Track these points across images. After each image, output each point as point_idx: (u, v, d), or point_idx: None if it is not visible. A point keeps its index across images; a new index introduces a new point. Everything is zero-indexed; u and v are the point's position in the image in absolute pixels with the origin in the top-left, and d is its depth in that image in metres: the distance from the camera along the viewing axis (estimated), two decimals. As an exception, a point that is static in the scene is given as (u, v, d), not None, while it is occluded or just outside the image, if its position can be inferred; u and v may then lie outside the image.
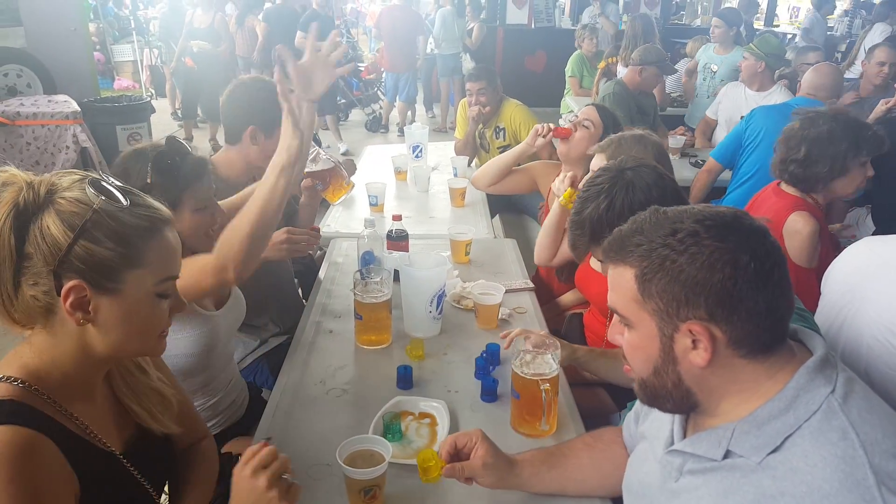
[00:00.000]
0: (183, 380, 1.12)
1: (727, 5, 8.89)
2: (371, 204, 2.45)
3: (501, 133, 3.17)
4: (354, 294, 1.49)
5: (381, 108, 7.35)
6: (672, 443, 0.85)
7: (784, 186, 1.87)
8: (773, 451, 0.72)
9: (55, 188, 0.79)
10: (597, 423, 1.24)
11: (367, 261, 1.77)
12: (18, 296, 0.79)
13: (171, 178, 1.23)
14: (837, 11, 9.90)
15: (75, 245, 0.77)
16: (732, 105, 3.36)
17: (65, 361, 0.82)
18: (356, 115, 7.45)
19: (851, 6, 9.36)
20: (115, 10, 9.68)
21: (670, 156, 3.18)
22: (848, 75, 4.57)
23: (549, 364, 1.21)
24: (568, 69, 5.23)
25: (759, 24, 8.75)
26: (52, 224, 0.76)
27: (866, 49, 4.17)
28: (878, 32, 5.30)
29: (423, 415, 1.26)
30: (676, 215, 0.78)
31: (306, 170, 1.97)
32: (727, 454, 0.76)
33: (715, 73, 4.09)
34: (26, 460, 0.73)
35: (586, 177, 1.74)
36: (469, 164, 3.01)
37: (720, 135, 3.35)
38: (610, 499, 1.07)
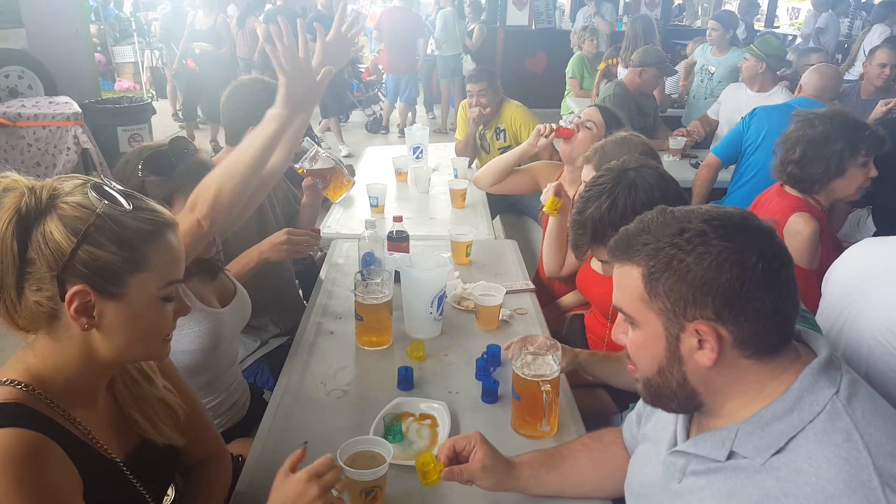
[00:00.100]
0: (186, 378, 1.11)
1: (727, 7, 8.91)
2: (372, 205, 2.45)
3: (502, 134, 3.17)
4: (355, 295, 1.49)
5: (381, 109, 7.36)
6: (675, 444, 0.85)
7: (786, 188, 1.88)
8: (777, 452, 0.72)
9: (57, 193, 0.79)
10: (597, 425, 1.24)
11: (368, 262, 1.77)
12: (22, 301, 0.78)
13: (166, 176, 1.23)
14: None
15: (79, 250, 0.76)
16: (734, 106, 3.36)
17: (68, 366, 0.82)
18: (357, 116, 7.46)
19: (852, 7, 9.36)
20: (115, 12, 9.70)
21: (671, 157, 3.23)
22: (848, 77, 4.58)
23: (549, 365, 1.21)
24: (568, 70, 5.24)
25: (759, 25, 8.77)
26: (54, 229, 0.76)
27: (866, 50, 4.17)
28: (876, 34, 5.30)
29: (424, 416, 1.26)
30: (684, 215, 0.78)
31: (307, 168, 1.98)
32: (731, 455, 0.76)
33: (712, 74, 4.10)
34: (33, 462, 0.73)
35: (580, 187, 1.74)
36: (469, 166, 3.01)
37: (721, 136, 3.35)
38: (610, 500, 1.07)
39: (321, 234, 1.87)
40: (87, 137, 4.29)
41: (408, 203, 2.61)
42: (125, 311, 0.81)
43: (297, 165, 1.98)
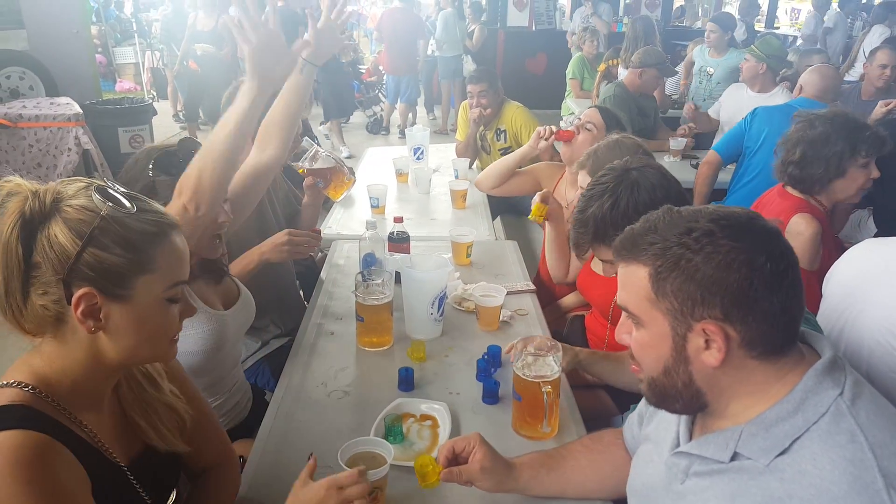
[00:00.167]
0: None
1: (727, 8, 8.91)
2: (372, 206, 2.45)
3: (502, 135, 3.17)
4: (356, 296, 1.49)
5: (382, 110, 7.36)
6: (678, 445, 0.85)
7: (788, 189, 1.88)
8: (782, 453, 0.72)
9: (61, 196, 0.79)
10: (598, 426, 1.23)
11: (369, 263, 1.77)
12: (28, 306, 0.78)
13: (176, 176, 1.23)
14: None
15: (84, 252, 0.76)
16: (734, 106, 3.36)
17: (75, 369, 0.82)
18: (357, 117, 7.46)
19: (863, 3, 9.34)
20: (116, 13, 9.71)
21: (671, 158, 3.23)
22: (848, 78, 4.58)
23: (550, 366, 1.21)
24: (569, 71, 5.24)
25: (759, 26, 8.77)
26: (59, 232, 0.76)
27: (865, 51, 4.17)
28: (876, 35, 5.30)
29: (425, 417, 1.26)
30: (691, 214, 0.77)
31: (307, 168, 1.98)
32: (735, 456, 0.75)
33: (711, 76, 4.11)
34: (42, 463, 0.73)
35: (576, 191, 1.74)
36: (470, 167, 3.02)
37: (721, 136, 3.35)
38: (611, 501, 1.07)
39: (322, 234, 1.86)
40: (87, 138, 4.29)
41: (408, 204, 2.61)
42: (131, 312, 0.81)
43: (297, 165, 1.99)
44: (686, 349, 0.76)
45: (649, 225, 0.79)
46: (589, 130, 2.15)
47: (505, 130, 3.15)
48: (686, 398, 0.79)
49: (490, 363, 1.41)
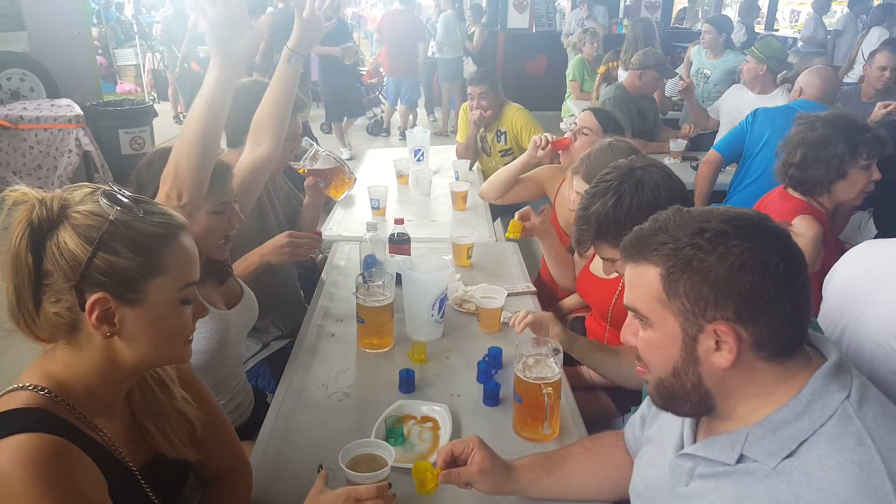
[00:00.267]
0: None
1: (727, 9, 8.92)
2: (373, 207, 2.46)
3: (503, 137, 3.17)
4: (356, 297, 1.49)
5: (382, 111, 7.37)
6: (682, 446, 0.84)
7: (790, 190, 1.88)
8: (788, 455, 0.71)
9: (68, 203, 0.79)
10: (598, 428, 1.24)
11: (370, 264, 1.77)
12: (41, 314, 0.78)
13: None
14: (838, 15, 9.91)
15: (95, 258, 0.76)
16: (734, 108, 3.36)
17: (90, 374, 0.82)
18: (358, 119, 7.47)
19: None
20: (117, 15, 9.73)
21: (672, 159, 3.23)
22: (847, 79, 4.59)
23: (551, 368, 1.20)
24: (569, 73, 5.25)
25: (759, 28, 8.78)
26: (68, 239, 0.76)
27: (864, 53, 4.17)
28: (875, 37, 5.31)
29: (426, 418, 1.26)
30: (702, 214, 0.77)
31: (308, 168, 1.98)
32: (741, 458, 0.75)
33: (708, 77, 4.11)
34: (60, 465, 0.73)
35: (573, 197, 1.74)
36: (470, 168, 3.02)
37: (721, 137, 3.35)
38: (611, 503, 1.07)
39: (323, 236, 1.87)
40: (88, 140, 4.30)
41: (409, 205, 2.61)
42: (145, 316, 0.81)
43: (297, 165, 1.99)
44: (696, 350, 0.75)
45: (659, 225, 0.78)
46: (585, 135, 2.15)
47: (505, 132, 3.16)
48: (694, 400, 0.78)
49: (491, 365, 1.41)
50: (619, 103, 3.33)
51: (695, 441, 0.84)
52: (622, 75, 4.08)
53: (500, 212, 3.05)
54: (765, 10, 9.90)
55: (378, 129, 7.15)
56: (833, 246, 1.82)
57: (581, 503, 1.06)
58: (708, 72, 4.11)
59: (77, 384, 0.81)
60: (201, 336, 1.30)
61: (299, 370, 1.44)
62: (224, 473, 1.04)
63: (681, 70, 4.80)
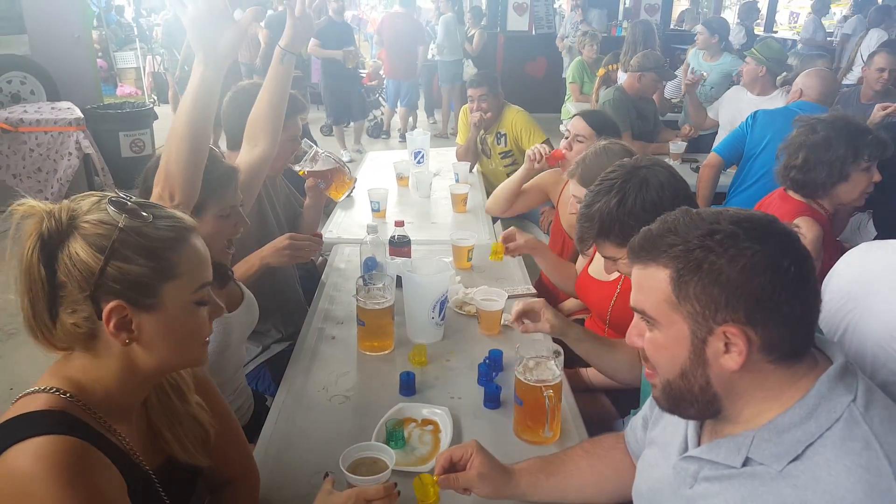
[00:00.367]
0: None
1: (727, 11, 8.93)
2: (373, 210, 2.46)
3: (503, 139, 3.18)
4: (357, 300, 1.49)
5: (382, 114, 7.37)
6: (686, 449, 0.84)
7: (790, 192, 1.88)
8: (795, 459, 0.71)
9: (76, 213, 0.79)
10: (599, 430, 1.23)
11: (370, 267, 1.77)
12: (58, 326, 0.79)
13: (202, 181, 1.23)
14: (837, 17, 9.95)
15: (107, 266, 0.77)
16: (734, 109, 3.37)
17: (109, 380, 0.82)
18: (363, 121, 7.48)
19: (851, 11, 9.38)
20: (117, 18, 9.75)
21: (671, 161, 3.23)
22: (846, 81, 4.59)
23: (552, 370, 1.20)
24: (568, 75, 5.25)
25: (759, 30, 8.79)
26: (80, 249, 0.76)
27: (863, 55, 4.17)
28: (874, 38, 5.32)
29: (426, 421, 1.26)
30: (711, 216, 0.76)
31: (307, 170, 1.98)
32: (747, 461, 0.75)
33: (705, 80, 4.12)
34: (82, 466, 0.73)
35: (572, 202, 1.74)
36: (471, 170, 3.02)
37: (722, 138, 3.36)
38: (612, 505, 1.07)
39: (323, 238, 1.87)
40: (88, 143, 4.30)
41: (409, 208, 2.61)
42: (162, 320, 0.81)
43: (297, 167, 1.99)
44: (705, 352, 0.75)
45: (668, 226, 0.78)
46: (581, 142, 2.15)
47: (505, 134, 3.16)
48: (702, 403, 0.78)
49: (491, 367, 1.41)
50: (619, 105, 3.34)
51: (699, 444, 0.84)
52: (622, 77, 4.09)
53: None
54: (764, 11, 9.92)
55: (378, 132, 7.16)
56: (833, 248, 1.82)
57: (581, 506, 1.06)
58: (705, 74, 4.12)
59: (96, 388, 0.82)
60: None
61: (300, 373, 1.44)
62: (233, 480, 1.05)
63: (680, 72, 4.81)
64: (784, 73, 3.55)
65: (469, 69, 6.79)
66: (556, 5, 8.34)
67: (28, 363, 2.62)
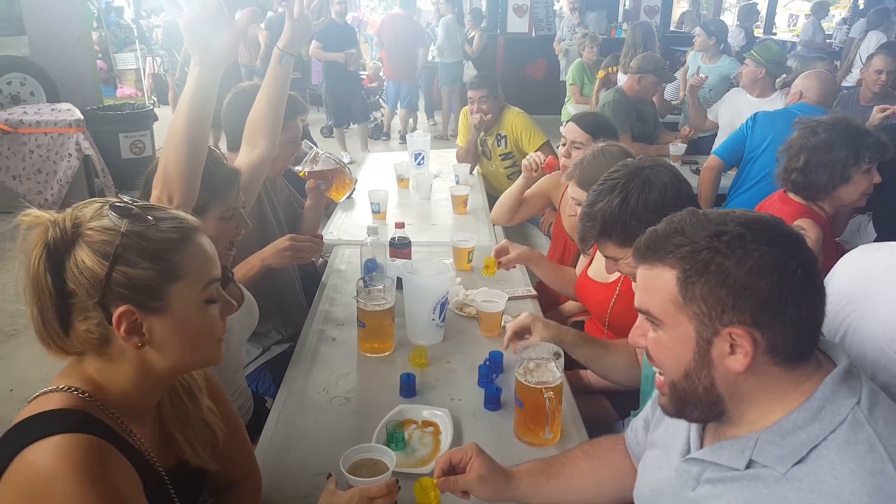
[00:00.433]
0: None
1: (727, 14, 8.95)
2: (373, 211, 2.46)
3: (503, 141, 3.18)
4: (357, 302, 1.49)
5: (382, 115, 7.38)
6: (688, 451, 0.84)
7: (790, 194, 1.88)
8: (799, 462, 0.71)
9: (80, 221, 0.79)
10: (599, 432, 1.23)
11: (370, 268, 1.77)
12: (71, 333, 0.79)
13: (204, 183, 1.23)
14: (836, 19, 9.98)
15: (113, 272, 0.77)
16: (734, 111, 3.37)
17: (125, 383, 0.83)
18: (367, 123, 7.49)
19: (850, 14, 9.42)
20: (116, 19, 9.75)
21: (671, 163, 3.23)
22: (845, 83, 4.60)
23: (552, 372, 1.20)
24: (568, 77, 5.26)
25: (758, 32, 8.81)
26: (85, 257, 0.77)
27: (862, 57, 4.18)
28: (872, 41, 5.33)
29: (427, 423, 1.26)
30: (718, 217, 0.76)
31: (308, 171, 1.98)
32: (750, 464, 0.75)
33: (703, 82, 4.12)
34: (100, 465, 0.74)
35: (570, 204, 1.74)
36: (471, 172, 3.02)
37: (721, 140, 3.36)
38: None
39: (323, 240, 1.87)
40: (88, 144, 4.30)
41: (409, 209, 2.61)
42: (172, 322, 0.81)
43: (298, 169, 1.99)
44: (710, 354, 0.75)
45: (674, 226, 0.77)
46: (578, 148, 2.15)
47: (505, 136, 3.16)
48: (706, 405, 0.77)
49: (492, 369, 1.41)
50: (618, 107, 3.34)
51: (702, 446, 0.83)
52: (621, 79, 4.09)
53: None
54: (763, 14, 9.94)
55: (378, 133, 7.17)
56: (833, 250, 1.82)
57: (582, 508, 1.06)
58: (703, 76, 4.13)
59: (112, 389, 0.82)
60: None
61: (300, 374, 1.44)
62: (236, 484, 1.05)
63: (680, 74, 4.81)
64: (783, 75, 3.56)
65: (469, 71, 6.80)
66: (555, 7, 8.35)
67: (28, 364, 2.62)
